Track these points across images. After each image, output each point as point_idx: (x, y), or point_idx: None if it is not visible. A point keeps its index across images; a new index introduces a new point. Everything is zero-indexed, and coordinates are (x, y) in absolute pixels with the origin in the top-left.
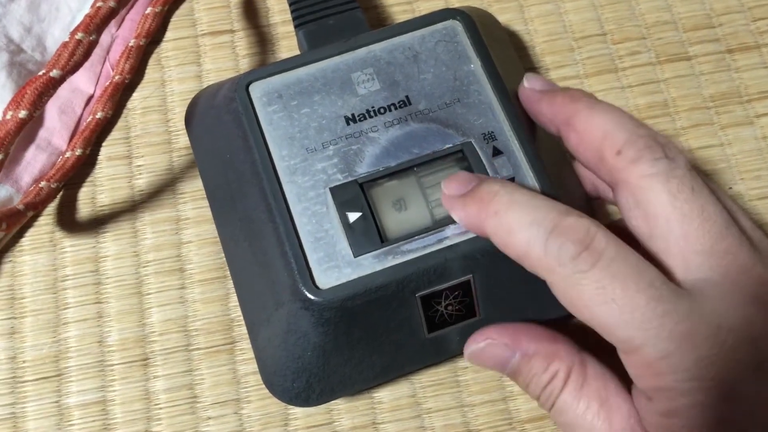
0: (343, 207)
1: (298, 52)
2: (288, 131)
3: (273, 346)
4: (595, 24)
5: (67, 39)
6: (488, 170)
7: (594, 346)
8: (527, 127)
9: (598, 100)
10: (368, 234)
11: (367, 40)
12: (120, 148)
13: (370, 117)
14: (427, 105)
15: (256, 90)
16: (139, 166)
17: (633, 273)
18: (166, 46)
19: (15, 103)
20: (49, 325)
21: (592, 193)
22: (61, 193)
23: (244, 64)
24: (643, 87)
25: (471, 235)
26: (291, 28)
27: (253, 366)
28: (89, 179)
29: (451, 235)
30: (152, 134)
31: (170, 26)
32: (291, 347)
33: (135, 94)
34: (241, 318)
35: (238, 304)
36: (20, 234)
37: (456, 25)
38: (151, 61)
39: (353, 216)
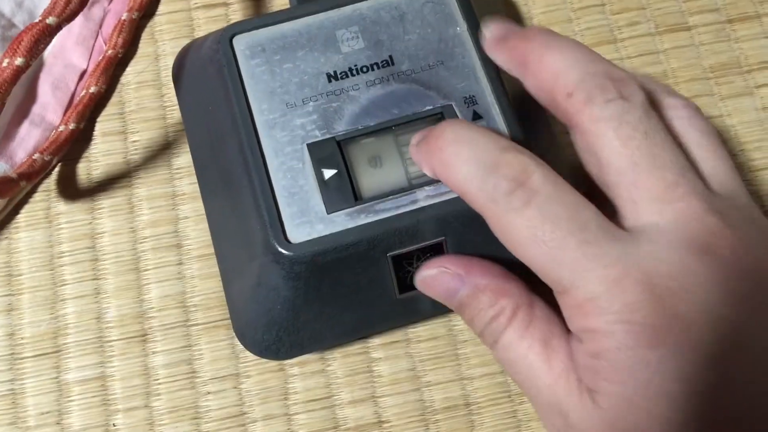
0: (319, 164)
1: None
2: (269, 85)
3: (245, 299)
4: None
5: None
6: None
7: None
8: (509, 92)
9: (556, 37)
10: (342, 191)
11: None
12: (115, 124)
13: (352, 75)
14: (410, 66)
15: (240, 43)
16: (135, 141)
17: (566, 214)
18: (160, 20)
19: (11, 51)
20: (47, 302)
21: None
22: (56, 169)
23: None
24: (642, 58)
25: (445, 198)
26: (286, 2)
27: None
28: (84, 155)
29: (425, 197)
30: (147, 109)
31: None
32: (262, 300)
33: (129, 69)
34: None
35: None
36: (16, 210)
37: None
38: (145, 35)
39: (329, 173)
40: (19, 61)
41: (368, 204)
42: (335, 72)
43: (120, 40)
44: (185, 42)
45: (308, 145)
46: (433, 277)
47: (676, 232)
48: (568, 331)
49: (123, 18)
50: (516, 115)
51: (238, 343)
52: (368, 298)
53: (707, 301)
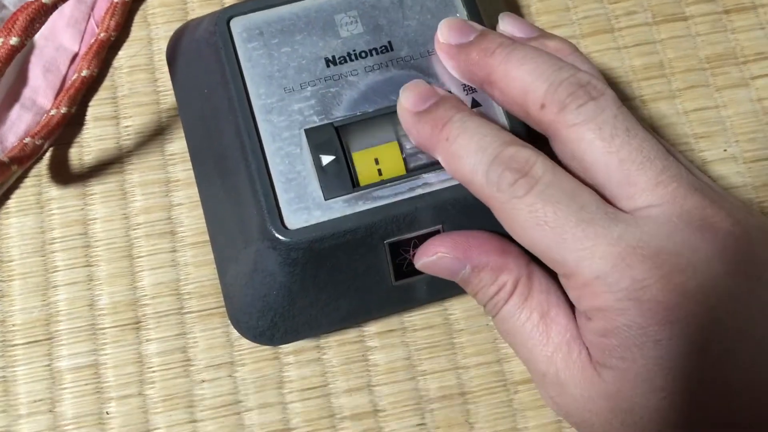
0: (317, 149)
1: None
2: (267, 69)
3: (240, 284)
4: None
5: None
6: None
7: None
8: None
9: (516, 48)
10: (340, 178)
11: None
12: (107, 109)
13: (351, 60)
14: (409, 52)
15: (237, 25)
16: (127, 126)
17: (566, 197)
18: (153, 3)
19: (6, 30)
20: (38, 289)
21: None
22: (48, 153)
23: None
24: (638, 48)
25: (443, 185)
26: None
27: None
28: (76, 140)
29: (423, 184)
30: (140, 94)
31: None
32: (257, 286)
33: (121, 53)
34: None
35: None
36: (6, 196)
37: None
38: (137, 19)
39: (326, 159)
40: (14, 40)
41: (366, 191)
42: (334, 57)
43: (112, 23)
44: (179, 26)
45: (306, 130)
46: (434, 262)
47: (674, 212)
48: (567, 302)
49: (115, 0)
50: None
51: (233, 330)
52: (364, 284)
53: (713, 276)
